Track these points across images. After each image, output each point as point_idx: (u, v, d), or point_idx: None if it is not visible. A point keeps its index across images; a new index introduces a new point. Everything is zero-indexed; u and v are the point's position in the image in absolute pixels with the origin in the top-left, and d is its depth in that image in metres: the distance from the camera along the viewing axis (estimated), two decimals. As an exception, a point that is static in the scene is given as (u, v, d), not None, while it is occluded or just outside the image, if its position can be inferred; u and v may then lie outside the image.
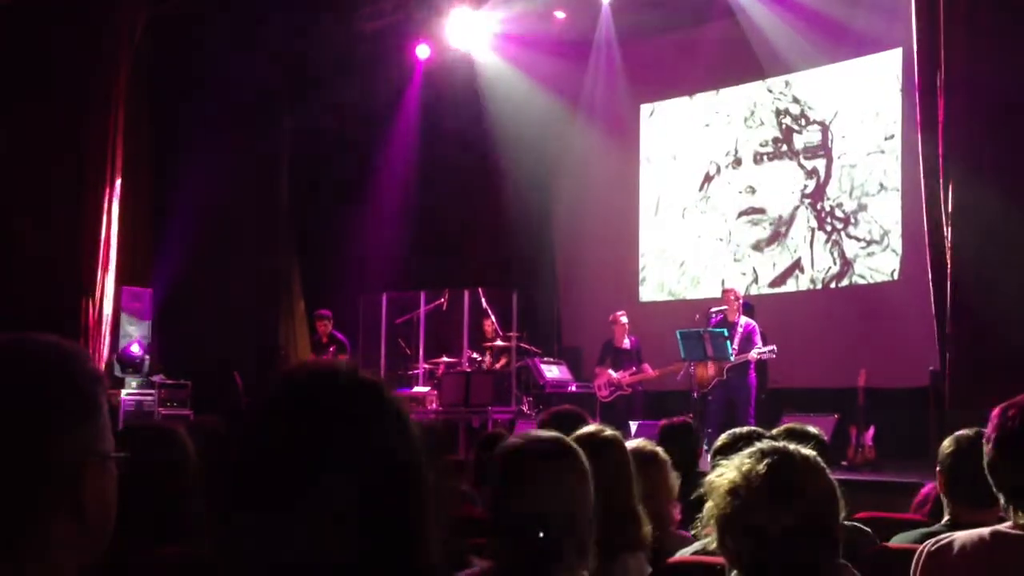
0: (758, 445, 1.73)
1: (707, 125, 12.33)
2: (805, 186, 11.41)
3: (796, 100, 11.57)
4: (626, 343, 10.48)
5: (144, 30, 10.57)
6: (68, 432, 1.13)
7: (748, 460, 1.68)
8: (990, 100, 7.52)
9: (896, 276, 10.61)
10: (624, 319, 10.49)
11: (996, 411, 2.22)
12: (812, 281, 11.31)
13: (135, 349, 10.73)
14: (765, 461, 1.67)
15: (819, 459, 1.76)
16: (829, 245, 11.20)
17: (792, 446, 1.74)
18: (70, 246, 10.39)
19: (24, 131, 10.01)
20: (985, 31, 7.56)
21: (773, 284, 11.59)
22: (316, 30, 11.01)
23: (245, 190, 11.68)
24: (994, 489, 2.21)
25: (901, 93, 10.55)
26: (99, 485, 1.15)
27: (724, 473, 1.70)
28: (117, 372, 10.46)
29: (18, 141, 9.97)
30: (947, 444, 2.94)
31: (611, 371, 10.43)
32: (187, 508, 2.49)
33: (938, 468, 2.96)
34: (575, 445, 2.04)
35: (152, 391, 10.36)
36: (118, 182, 10.56)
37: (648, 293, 12.69)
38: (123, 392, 10.16)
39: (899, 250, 10.58)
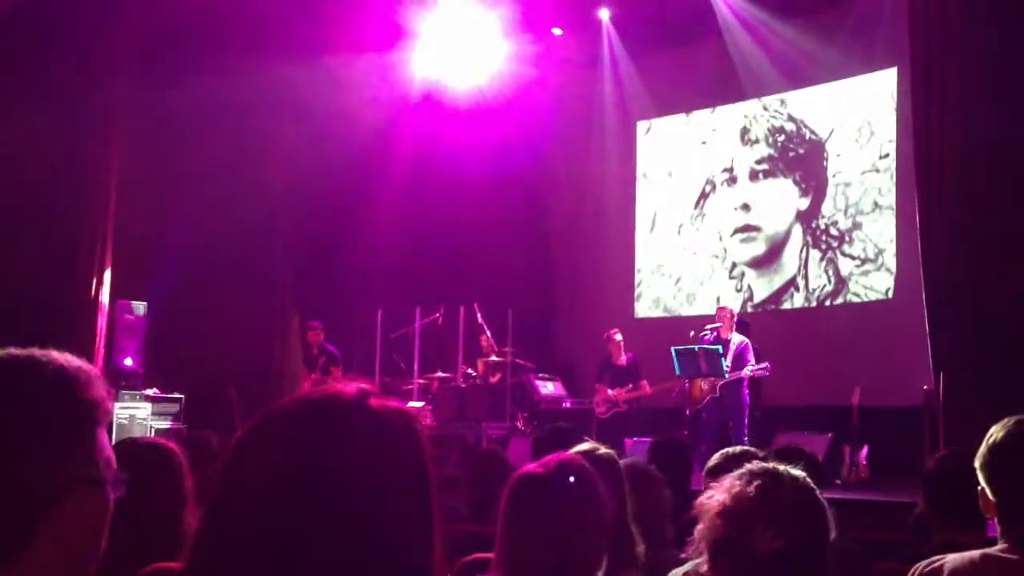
0: (748, 467, 1.74)
1: (703, 142, 12.38)
2: (800, 204, 11.45)
3: (791, 118, 11.62)
4: (622, 360, 10.47)
5: (144, 43, 10.60)
6: (52, 455, 1.12)
7: (738, 482, 1.69)
8: (984, 119, 7.55)
9: (890, 295, 10.64)
10: (618, 336, 10.49)
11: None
12: (807, 299, 11.33)
13: (129, 362, 10.70)
14: (755, 483, 1.67)
15: (809, 480, 1.77)
16: (824, 263, 11.23)
17: (782, 467, 1.75)
18: (65, 258, 10.38)
19: (22, 142, 10.01)
20: (979, 50, 7.60)
21: (768, 301, 11.61)
22: (317, 45, 11.04)
23: (242, 203, 11.67)
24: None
25: (896, 112, 10.60)
26: (85, 509, 1.14)
27: (715, 495, 1.70)
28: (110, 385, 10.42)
29: (15, 153, 9.97)
30: (929, 466, 2.96)
31: (608, 389, 10.43)
32: (181, 523, 2.49)
33: (922, 491, 2.97)
34: (590, 467, 2.07)
35: (146, 405, 10.33)
36: (113, 192, 10.57)
37: (643, 309, 12.71)
38: (116, 405, 10.13)
39: (893, 269, 10.61)
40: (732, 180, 12.06)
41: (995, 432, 2.21)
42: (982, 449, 2.21)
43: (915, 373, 8.70)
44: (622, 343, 10.49)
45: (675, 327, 11.29)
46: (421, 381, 11.73)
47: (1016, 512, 2.15)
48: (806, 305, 11.33)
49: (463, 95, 12.48)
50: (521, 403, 11.38)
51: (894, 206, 10.60)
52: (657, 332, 11.53)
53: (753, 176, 11.90)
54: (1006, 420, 2.23)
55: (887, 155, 10.77)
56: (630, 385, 10.34)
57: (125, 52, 10.53)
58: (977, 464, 2.21)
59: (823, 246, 11.23)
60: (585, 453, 2.68)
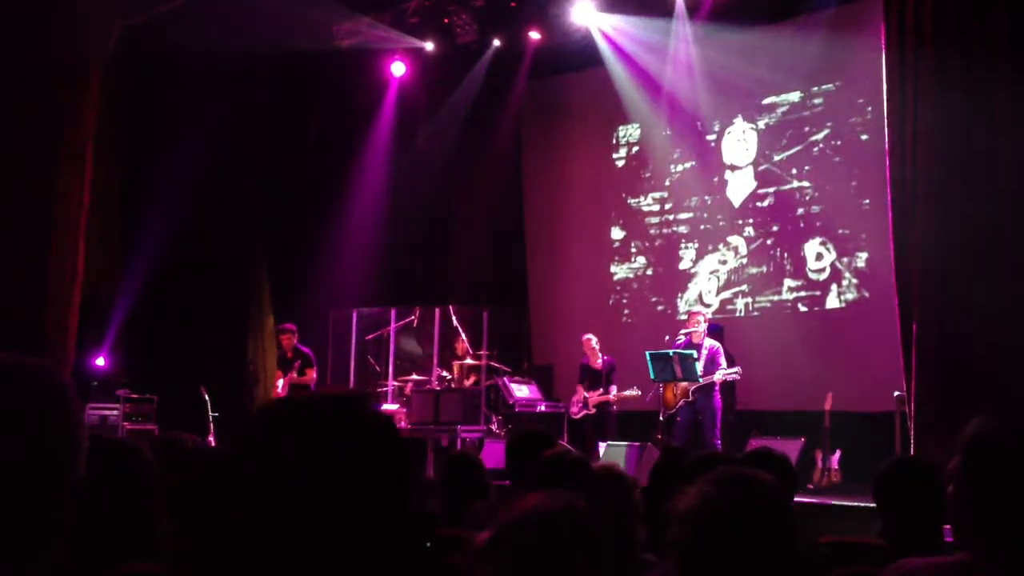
0: (719, 470, 1.73)
1: (682, 150, 12.41)
2: (776, 212, 11.50)
3: (768, 128, 11.67)
4: (598, 363, 10.50)
5: (118, 40, 10.51)
6: (58, 458, 1.20)
7: (708, 486, 1.69)
8: (958, 133, 7.63)
9: (863, 301, 10.71)
10: (594, 342, 10.53)
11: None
12: (780, 305, 11.39)
13: (100, 362, 10.62)
14: (725, 487, 1.67)
15: (779, 484, 1.76)
16: (797, 269, 11.28)
17: (752, 471, 1.75)
18: (35, 256, 10.27)
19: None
20: (955, 66, 7.68)
21: (742, 308, 11.66)
22: (292, 48, 11.00)
23: (216, 204, 11.62)
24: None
25: (871, 125, 10.67)
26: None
27: (684, 499, 1.70)
28: (81, 386, 10.34)
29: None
30: (883, 471, 2.99)
31: (585, 391, 10.49)
32: (151, 526, 2.47)
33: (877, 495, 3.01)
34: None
35: (117, 405, 10.23)
36: (87, 194, 10.46)
37: (619, 313, 12.73)
38: (88, 406, 10.04)
39: (867, 276, 10.68)
40: (709, 186, 12.09)
41: (969, 432, 2.14)
42: (962, 450, 2.15)
43: (886, 379, 8.76)
44: (598, 347, 10.52)
45: (650, 331, 11.32)
46: (396, 383, 11.71)
47: (993, 519, 2.11)
48: (780, 311, 11.38)
49: (439, 97, 12.49)
50: (496, 406, 11.37)
51: (868, 214, 10.67)
52: (632, 336, 11.56)
53: (730, 184, 11.94)
54: (979, 420, 2.16)
55: (863, 166, 10.84)
56: (601, 390, 10.40)
57: (101, 40, 10.43)
58: (952, 466, 2.16)
59: (797, 253, 11.29)
60: (555, 456, 2.67)
